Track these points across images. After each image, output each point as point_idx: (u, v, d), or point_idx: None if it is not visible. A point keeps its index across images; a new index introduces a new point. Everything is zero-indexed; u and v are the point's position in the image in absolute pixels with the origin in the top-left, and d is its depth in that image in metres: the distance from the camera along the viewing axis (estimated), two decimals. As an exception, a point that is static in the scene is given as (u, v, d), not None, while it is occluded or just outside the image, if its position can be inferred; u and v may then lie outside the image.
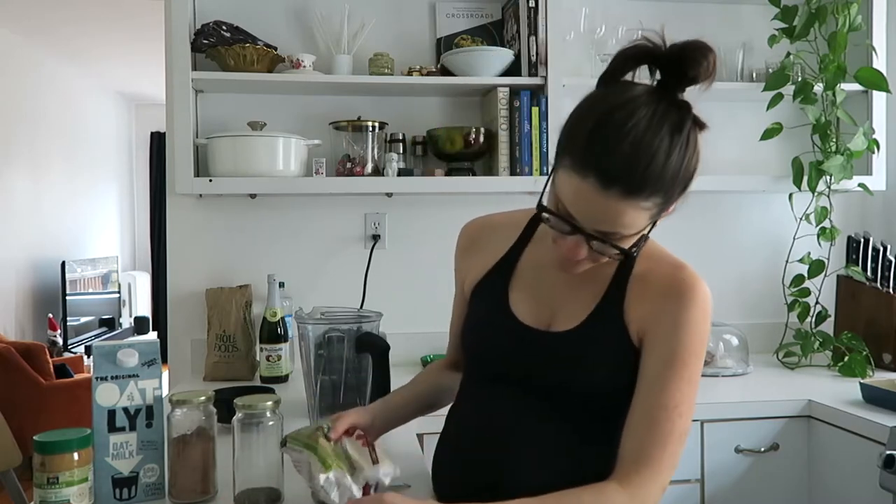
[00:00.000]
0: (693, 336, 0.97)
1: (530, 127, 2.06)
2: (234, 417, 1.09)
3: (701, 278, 1.01)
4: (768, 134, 2.20)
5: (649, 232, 0.96)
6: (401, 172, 2.08)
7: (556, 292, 1.07)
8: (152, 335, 6.29)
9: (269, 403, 1.09)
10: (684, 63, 0.89)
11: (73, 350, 4.95)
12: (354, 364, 1.23)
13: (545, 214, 0.95)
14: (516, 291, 1.10)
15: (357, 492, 1.00)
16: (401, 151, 2.15)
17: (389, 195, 2.24)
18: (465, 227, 1.22)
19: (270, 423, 1.09)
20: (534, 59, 2.07)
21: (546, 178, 0.98)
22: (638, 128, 0.86)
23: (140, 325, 6.29)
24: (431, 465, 1.18)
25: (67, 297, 5.07)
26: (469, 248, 1.19)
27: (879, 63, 2.19)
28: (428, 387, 1.26)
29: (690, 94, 0.93)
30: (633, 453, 0.95)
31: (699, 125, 0.91)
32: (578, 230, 0.92)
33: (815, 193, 2.16)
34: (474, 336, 1.13)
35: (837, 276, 2.23)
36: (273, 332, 1.99)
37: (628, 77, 0.94)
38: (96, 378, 1.09)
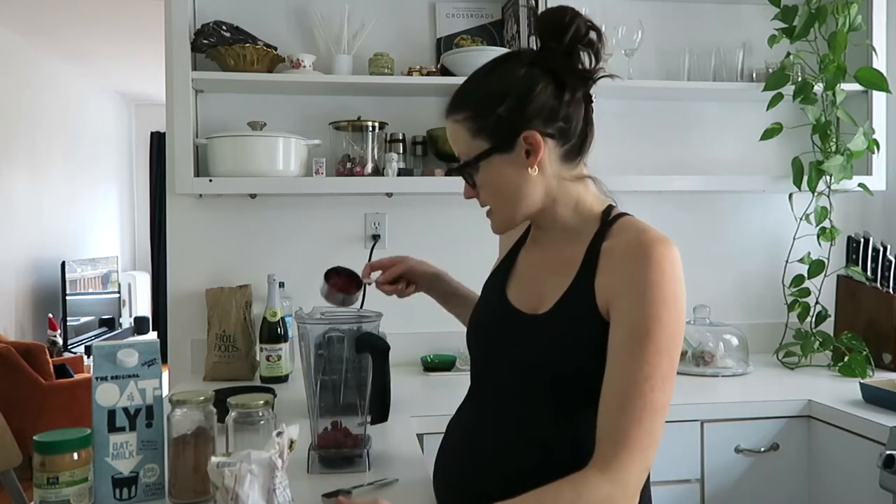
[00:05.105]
0: (655, 301, 0.93)
1: (530, 127, 2.06)
2: (227, 416, 1.10)
3: (665, 239, 0.97)
4: (768, 134, 2.20)
5: (480, 158, 1.03)
6: (401, 172, 2.08)
7: (543, 278, 1.09)
8: (152, 335, 6.29)
9: (262, 402, 1.10)
10: (543, 34, 1.04)
11: (73, 350, 4.95)
12: (354, 364, 1.22)
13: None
14: (514, 282, 1.15)
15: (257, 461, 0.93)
16: (401, 151, 2.15)
17: (389, 195, 2.24)
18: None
19: (263, 421, 1.10)
20: (534, 59, 2.07)
21: None
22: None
23: (140, 325, 6.29)
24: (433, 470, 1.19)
25: (67, 297, 5.07)
26: (500, 250, 1.28)
27: (879, 63, 2.19)
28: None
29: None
30: (608, 435, 0.91)
31: (528, 61, 1.03)
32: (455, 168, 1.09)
33: (815, 193, 2.16)
34: (472, 320, 1.20)
35: (837, 276, 2.23)
36: (273, 332, 1.99)
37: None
38: (96, 378, 1.09)
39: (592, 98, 1.06)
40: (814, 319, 2.18)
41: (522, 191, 1.04)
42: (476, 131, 1.03)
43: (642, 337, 0.92)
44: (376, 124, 2.12)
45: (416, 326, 2.22)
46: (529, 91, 1.01)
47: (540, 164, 1.03)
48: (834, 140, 2.14)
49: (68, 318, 5.08)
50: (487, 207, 1.09)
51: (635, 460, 0.90)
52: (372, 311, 1.36)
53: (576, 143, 1.05)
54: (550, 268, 1.08)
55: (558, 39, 1.01)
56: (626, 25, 2.18)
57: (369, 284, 1.39)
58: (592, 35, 1.02)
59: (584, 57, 1.03)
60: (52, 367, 3.79)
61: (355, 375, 1.23)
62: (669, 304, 0.93)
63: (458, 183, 1.11)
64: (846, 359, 2.02)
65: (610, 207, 1.08)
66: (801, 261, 2.20)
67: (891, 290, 2.10)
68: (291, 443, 0.97)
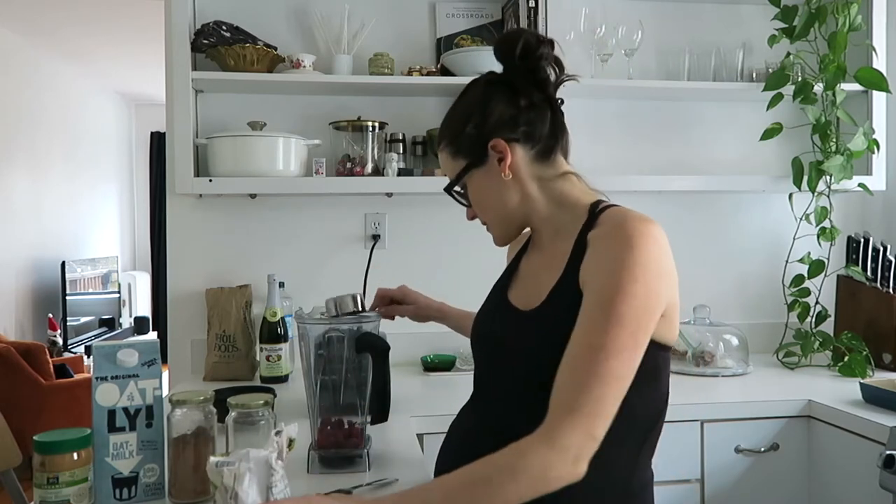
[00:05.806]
0: (620, 272, 0.93)
1: (530, 127, 2.06)
2: (227, 416, 1.10)
3: (644, 217, 0.98)
4: (768, 134, 2.20)
5: (461, 176, 1.12)
6: (401, 172, 2.08)
7: (538, 276, 1.11)
8: (152, 335, 6.29)
9: (262, 402, 1.10)
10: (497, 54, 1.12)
11: (73, 350, 4.95)
12: (354, 364, 1.22)
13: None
14: (516, 284, 1.18)
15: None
16: (401, 151, 2.15)
17: (389, 195, 2.24)
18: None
19: (263, 421, 1.10)
20: (534, 59, 2.06)
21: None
22: None
23: (140, 325, 6.29)
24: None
25: (67, 297, 5.07)
26: (507, 259, 1.31)
27: (879, 63, 2.19)
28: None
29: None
30: (555, 401, 0.92)
31: (489, 83, 1.11)
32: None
33: (815, 193, 2.16)
34: (475, 323, 1.22)
35: (837, 276, 2.23)
36: (273, 332, 1.99)
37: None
38: (96, 378, 1.09)
39: (559, 101, 1.11)
40: (814, 319, 2.18)
41: (504, 198, 1.10)
42: (454, 154, 1.13)
43: (603, 306, 0.93)
44: (376, 124, 2.12)
45: (416, 326, 2.19)
46: (487, 105, 1.09)
47: (513, 169, 1.08)
48: (834, 140, 2.14)
49: (68, 318, 5.08)
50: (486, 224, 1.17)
51: (577, 426, 0.89)
52: (372, 312, 1.37)
53: (547, 144, 1.09)
54: (545, 265, 1.10)
55: (511, 54, 1.08)
56: (626, 25, 2.18)
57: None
58: (545, 48, 1.08)
59: (550, 70, 1.10)
60: (52, 367, 3.79)
61: (355, 375, 1.23)
62: (636, 275, 0.93)
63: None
64: (846, 359, 2.02)
65: (599, 201, 1.10)
66: (801, 261, 2.20)
67: (891, 290, 2.10)
68: (290, 442, 0.97)
